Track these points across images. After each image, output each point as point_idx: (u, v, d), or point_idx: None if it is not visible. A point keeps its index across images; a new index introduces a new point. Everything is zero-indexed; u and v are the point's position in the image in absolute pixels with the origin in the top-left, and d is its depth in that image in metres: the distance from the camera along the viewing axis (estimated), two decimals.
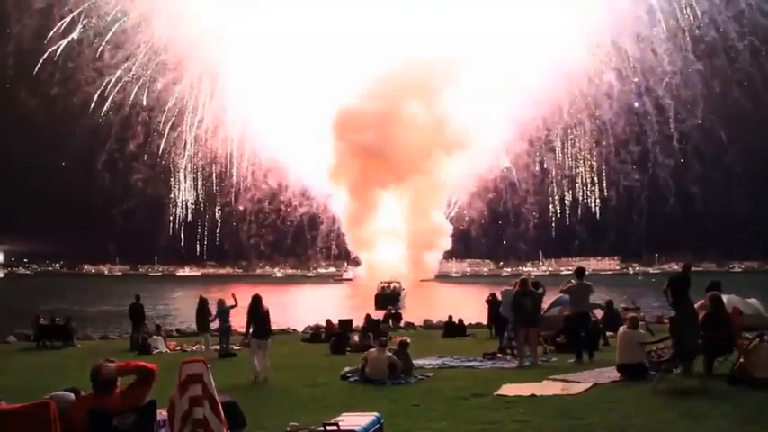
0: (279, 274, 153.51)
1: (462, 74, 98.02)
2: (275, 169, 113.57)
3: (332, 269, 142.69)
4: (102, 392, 4.79)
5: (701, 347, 9.53)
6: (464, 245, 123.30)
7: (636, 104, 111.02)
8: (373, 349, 11.47)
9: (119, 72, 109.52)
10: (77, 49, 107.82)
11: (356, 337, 17.87)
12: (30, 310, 28.07)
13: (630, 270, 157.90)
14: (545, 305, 15.76)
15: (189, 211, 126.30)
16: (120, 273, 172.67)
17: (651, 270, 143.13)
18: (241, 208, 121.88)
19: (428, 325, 24.78)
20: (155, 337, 19.04)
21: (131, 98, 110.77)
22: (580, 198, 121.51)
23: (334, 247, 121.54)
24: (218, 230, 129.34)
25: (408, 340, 12.48)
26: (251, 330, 12.34)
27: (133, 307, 20.23)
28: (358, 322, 21.35)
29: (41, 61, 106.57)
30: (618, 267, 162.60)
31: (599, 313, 17.09)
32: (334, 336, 17.64)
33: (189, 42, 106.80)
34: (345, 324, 20.64)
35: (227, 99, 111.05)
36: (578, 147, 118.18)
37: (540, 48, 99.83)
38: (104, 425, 4.63)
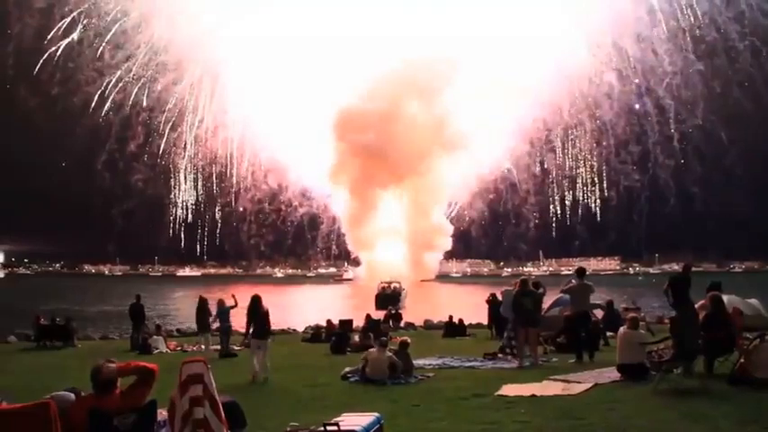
0: (279, 275, 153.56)
1: (462, 74, 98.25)
2: (275, 169, 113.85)
3: (332, 269, 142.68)
4: (102, 393, 4.80)
5: (701, 348, 9.52)
6: (464, 245, 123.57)
7: (636, 105, 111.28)
8: (373, 349, 11.45)
9: (119, 72, 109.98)
10: (78, 50, 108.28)
11: (356, 338, 17.86)
12: (30, 310, 28.11)
13: (631, 270, 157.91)
14: (545, 305, 15.76)
15: (189, 211, 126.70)
16: (120, 273, 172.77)
17: (651, 270, 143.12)
18: (241, 209, 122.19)
19: (428, 325, 24.78)
20: (155, 337, 19.03)
21: (131, 98, 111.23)
22: (580, 198, 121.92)
23: (334, 247, 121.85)
24: (218, 231, 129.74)
25: (409, 340, 12.48)
26: (251, 330, 12.36)
27: (133, 307, 20.23)
28: (358, 322, 21.35)
29: (42, 61, 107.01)
30: (618, 267, 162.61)
31: (599, 313, 17.08)
32: (335, 336, 17.64)
33: (189, 42, 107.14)
34: (346, 324, 20.63)
35: (228, 99, 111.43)
36: (579, 147, 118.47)
37: (540, 48, 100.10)
38: (105, 425, 4.63)
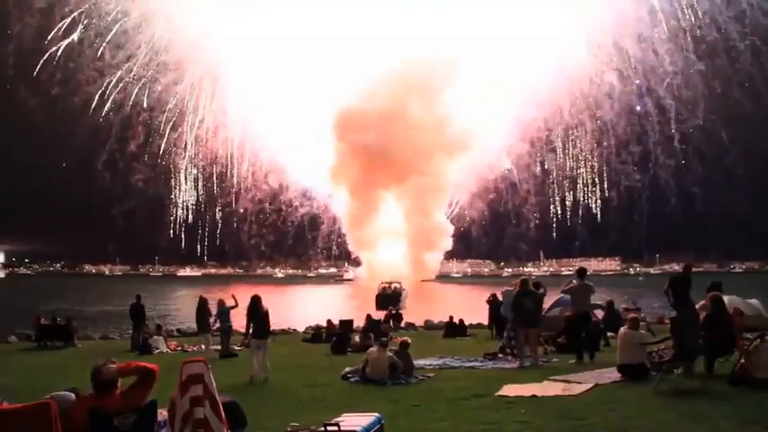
0: (279, 275, 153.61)
1: (463, 74, 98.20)
2: (276, 169, 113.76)
3: (333, 269, 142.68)
4: (102, 393, 4.80)
5: (701, 348, 9.52)
6: (465, 245, 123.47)
7: (637, 106, 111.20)
8: (374, 349, 11.46)
9: (119, 72, 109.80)
10: (78, 50, 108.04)
11: (357, 338, 17.86)
12: (31, 310, 28.12)
13: (631, 270, 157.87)
14: (546, 305, 15.76)
15: (190, 211, 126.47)
16: (120, 273, 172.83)
17: (652, 271, 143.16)
18: (242, 209, 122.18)
19: (429, 325, 24.78)
20: (155, 337, 19.03)
21: (132, 98, 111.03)
22: (581, 198, 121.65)
23: (334, 247, 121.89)
24: (218, 231, 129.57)
25: (409, 340, 12.48)
26: (251, 330, 12.39)
27: (134, 307, 20.23)
28: (359, 323, 21.35)
29: (42, 61, 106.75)
30: (619, 268, 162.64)
31: (600, 314, 17.08)
32: (335, 336, 17.64)
33: (190, 43, 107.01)
34: (346, 324, 20.63)
35: (228, 99, 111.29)
36: (579, 147, 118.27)
37: (540, 48, 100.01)
38: (105, 425, 4.63)
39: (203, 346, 17.24)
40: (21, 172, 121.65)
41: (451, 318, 21.92)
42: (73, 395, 5.63)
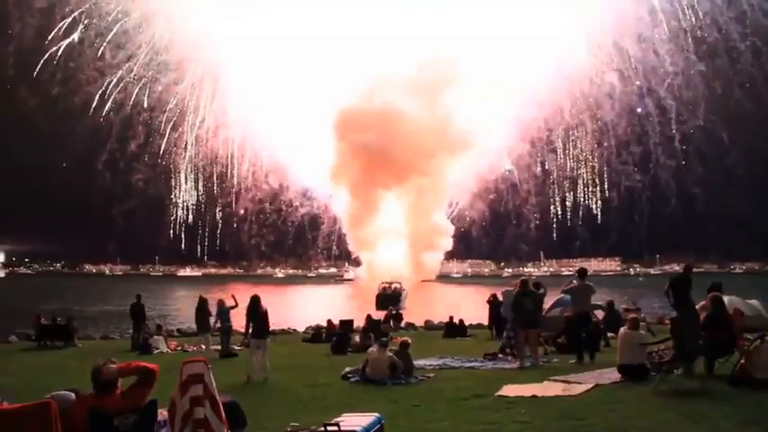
0: (280, 275, 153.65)
1: (463, 74, 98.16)
2: (276, 169, 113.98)
3: (333, 269, 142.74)
4: (103, 393, 4.80)
5: (702, 348, 9.52)
6: (465, 245, 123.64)
7: (639, 108, 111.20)
8: (374, 349, 11.46)
9: (120, 72, 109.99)
10: (78, 49, 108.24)
11: (357, 338, 17.86)
12: (31, 309, 28.09)
13: (631, 271, 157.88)
14: (546, 306, 15.76)
15: (190, 211, 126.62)
16: (120, 273, 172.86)
17: (652, 271, 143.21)
18: (242, 209, 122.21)
19: (429, 325, 24.78)
20: (156, 337, 19.02)
21: (132, 98, 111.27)
22: (581, 199, 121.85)
23: (335, 247, 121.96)
24: (218, 231, 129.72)
25: (409, 341, 12.48)
26: (250, 330, 12.41)
27: (134, 307, 20.22)
28: (359, 323, 21.34)
29: (42, 61, 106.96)
30: (619, 268, 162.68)
31: (600, 314, 17.07)
32: (335, 336, 17.64)
33: (190, 42, 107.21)
34: (346, 324, 20.62)
35: (229, 99, 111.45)
36: (580, 148, 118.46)
37: (541, 48, 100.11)
38: (105, 425, 4.63)
39: (203, 346, 17.24)
40: (21, 172, 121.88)
41: (451, 318, 21.91)
42: (73, 395, 5.62)
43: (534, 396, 8.92)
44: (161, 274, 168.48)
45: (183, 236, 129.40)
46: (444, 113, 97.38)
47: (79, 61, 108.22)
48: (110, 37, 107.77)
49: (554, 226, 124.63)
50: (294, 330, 24.42)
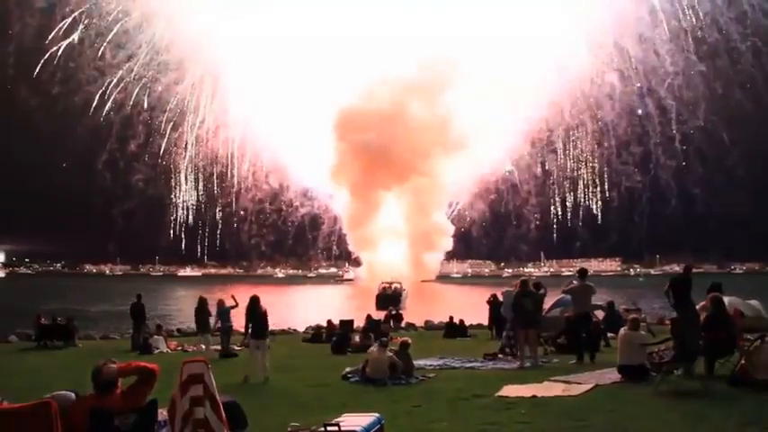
0: (280, 275, 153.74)
1: (463, 74, 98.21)
2: (276, 169, 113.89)
3: (333, 270, 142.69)
4: (103, 393, 4.80)
5: (702, 349, 9.52)
6: (465, 245, 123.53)
7: (639, 109, 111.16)
8: (374, 349, 11.45)
9: (120, 72, 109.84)
10: (78, 49, 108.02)
11: (357, 338, 17.86)
12: (31, 309, 28.10)
13: (632, 271, 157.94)
14: (546, 306, 15.77)
15: (190, 211, 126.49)
16: (121, 273, 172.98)
17: (652, 271, 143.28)
18: (242, 212, 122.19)
19: (429, 326, 24.79)
20: (156, 337, 19.01)
21: (132, 98, 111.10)
22: (582, 199, 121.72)
23: (335, 247, 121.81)
24: (218, 231, 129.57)
25: (409, 341, 12.47)
26: (249, 331, 12.42)
27: (134, 307, 20.22)
28: (359, 323, 21.33)
29: (42, 61, 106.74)
30: (619, 269, 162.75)
31: (600, 314, 17.07)
32: (335, 336, 17.64)
33: (190, 42, 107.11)
34: (346, 324, 20.60)
35: (229, 99, 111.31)
36: (580, 148, 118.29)
37: (541, 48, 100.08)
38: (105, 425, 4.63)
39: (203, 346, 17.23)
40: (21, 172, 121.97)
41: (451, 318, 21.91)
42: (73, 395, 5.62)
43: (534, 396, 8.92)
44: (161, 274, 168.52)
45: (183, 236, 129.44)
46: (444, 113, 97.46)
47: (79, 61, 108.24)
48: (110, 37, 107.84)
49: (554, 226, 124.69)
50: (294, 330, 24.42)
